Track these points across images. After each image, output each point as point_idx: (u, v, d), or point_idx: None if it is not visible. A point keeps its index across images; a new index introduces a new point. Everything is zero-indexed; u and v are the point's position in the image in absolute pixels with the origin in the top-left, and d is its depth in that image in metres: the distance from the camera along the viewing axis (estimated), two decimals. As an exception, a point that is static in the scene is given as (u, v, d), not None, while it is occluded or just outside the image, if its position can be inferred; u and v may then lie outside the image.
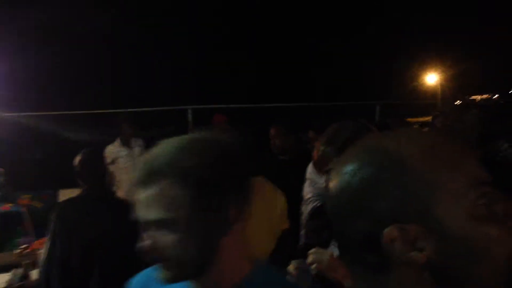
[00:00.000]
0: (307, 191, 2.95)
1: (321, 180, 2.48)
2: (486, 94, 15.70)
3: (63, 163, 3.31)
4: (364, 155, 0.70)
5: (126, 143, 5.47)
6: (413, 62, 23.43)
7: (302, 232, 3.00)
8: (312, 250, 1.71)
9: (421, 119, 10.22)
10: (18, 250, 3.27)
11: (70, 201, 2.57)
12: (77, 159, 2.51)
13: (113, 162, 5.29)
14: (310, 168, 3.05)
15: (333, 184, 0.72)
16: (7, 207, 3.34)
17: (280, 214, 2.44)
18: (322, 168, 2.48)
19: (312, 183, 2.93)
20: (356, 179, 0.68)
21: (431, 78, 22.62)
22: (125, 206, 2.62)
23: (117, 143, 5.44)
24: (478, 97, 14.34)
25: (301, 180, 3.10)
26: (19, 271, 2.92)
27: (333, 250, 1.67)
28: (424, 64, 22.99)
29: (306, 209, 2.90)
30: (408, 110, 12.00)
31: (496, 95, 15.81)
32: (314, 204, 2.81)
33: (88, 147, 2.64)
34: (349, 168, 0.70)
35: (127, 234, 2.31)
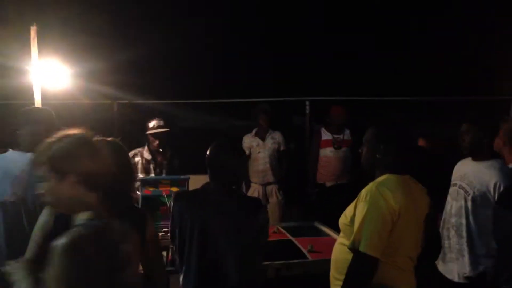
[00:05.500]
0: None
1: None
2: None
3: (198, 149, 3.35)
4: None
5: (259, 134, 5.67)
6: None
7: None
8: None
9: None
10: (160, 234, 3.32)
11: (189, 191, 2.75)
12: (209, 150, 2.57)
13: (249, 151, 5.57)
14: None
15: None
16: (149, 191, 3.62)
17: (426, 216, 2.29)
18: None
19: None
20: None
21: None
22: (247, 202, 2.76)
23: (252, 133, 5.69)
24: None
25: None
26: (163, 254, 2.97)
27: None
28: None
29: None
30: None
31: None
32: None
33: (221, 138, 2.65)
34: None
35: (245, 229, 2.43)
